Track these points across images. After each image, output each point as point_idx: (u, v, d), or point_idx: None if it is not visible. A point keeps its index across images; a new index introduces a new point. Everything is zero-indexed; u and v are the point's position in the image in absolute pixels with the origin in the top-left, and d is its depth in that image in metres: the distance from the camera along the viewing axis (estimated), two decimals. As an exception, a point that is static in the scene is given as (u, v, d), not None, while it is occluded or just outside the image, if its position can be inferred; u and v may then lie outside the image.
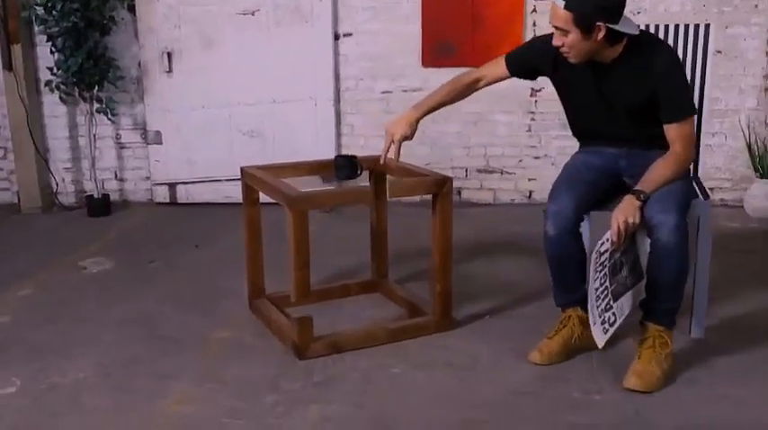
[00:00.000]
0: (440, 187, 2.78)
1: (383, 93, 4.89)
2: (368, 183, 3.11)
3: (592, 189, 2.68)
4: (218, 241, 4.20)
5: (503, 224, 4.49)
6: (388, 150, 2.88)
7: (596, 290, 2.44)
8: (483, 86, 2.95)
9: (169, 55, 4.85)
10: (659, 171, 2.52)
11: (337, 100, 4.87)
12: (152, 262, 3.86)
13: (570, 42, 2.45)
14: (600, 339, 2.46)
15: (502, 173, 4.95)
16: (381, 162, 2.89)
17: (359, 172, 3.05)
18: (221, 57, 4.82)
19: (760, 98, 4.72)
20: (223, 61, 4.82)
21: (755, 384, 2.46)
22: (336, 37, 4.81)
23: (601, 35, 2.42)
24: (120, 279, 3.62)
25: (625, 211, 2.44)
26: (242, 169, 3.03)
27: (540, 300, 3.19)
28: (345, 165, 3.04)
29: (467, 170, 4.96)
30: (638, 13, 4.64)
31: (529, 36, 4.70)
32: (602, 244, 2.48)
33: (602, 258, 2.48)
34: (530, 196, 4.97)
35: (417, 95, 4.77)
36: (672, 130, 2.55)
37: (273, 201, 2.74)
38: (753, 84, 4.73)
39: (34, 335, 2.96)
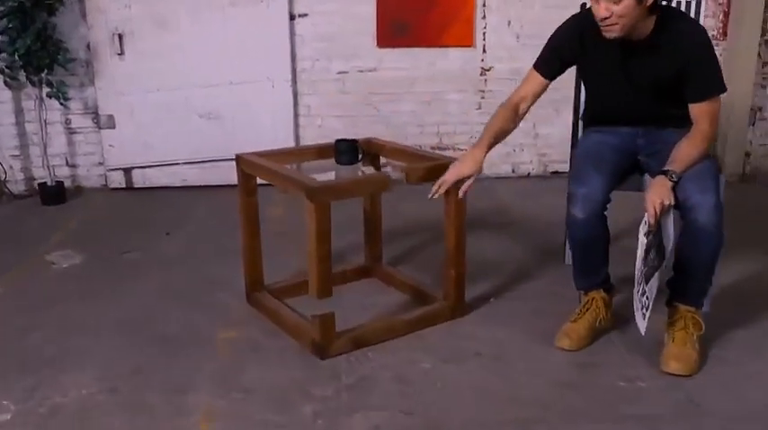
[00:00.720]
0: (454, 171, 2.38)
1: (339, 73, 4.38)
2: (371, 168, 2.66)
3: (615, 169, 2.34)
4: (188, 227, 3.63)
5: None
6: (451, 185, 2.35)
7: (638, 276, 2.12)
8: (529, 105, 2.49)
9: (120, 36, 4.15)
10: (687, 150, 2.19)
11: (294, 81, 4.34)
12: (126, 252, 3.26)
13: (621, 11, 2.07)
14: (642, 326, 2.13)
15: (454, 149, 4.57)
16: (460, 196, 2.39)
17: (360, 156, 2.60)
18: (176, 38, 4.16)
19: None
20: (178, 43, 4.16)
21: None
22: (292, 17, 4.25)
23: (650, 0, 2.08)
24: (96, 274, 3.01)
25: (660, 193, 2.10)
26: (238, 156, 2.51)
27: (532, 279, 2.88)
28: (347, 150, 2.58)
29: (421, 147, 4.54)
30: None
31: (480, 17, 4.33)
32: (643, 227, 2.16)
33: (646, 245, 2.15)
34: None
35: (372, 76, 4.37)
36: (699, 108, 2.22)
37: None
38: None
39: (19, 346, 2.36)
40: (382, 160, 2.82)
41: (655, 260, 2.18)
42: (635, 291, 2.13)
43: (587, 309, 2.36)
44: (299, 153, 2.62)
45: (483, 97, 4.49)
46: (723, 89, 2.23)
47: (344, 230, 3.33)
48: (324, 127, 4.44)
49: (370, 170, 2.61)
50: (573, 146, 2.95)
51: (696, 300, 2.23)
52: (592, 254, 2.34)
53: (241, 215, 2.56)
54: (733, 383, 2.09)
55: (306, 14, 4.28)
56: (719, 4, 4.38)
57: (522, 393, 2.05)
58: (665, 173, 2.15)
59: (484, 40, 4.39)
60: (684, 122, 2.40)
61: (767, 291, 2.70)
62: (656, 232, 2.17)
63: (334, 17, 4.28)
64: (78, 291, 2.81)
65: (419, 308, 2.56)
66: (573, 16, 2.47)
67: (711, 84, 2.21)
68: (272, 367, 2.21)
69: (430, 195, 2.29)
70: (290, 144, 4.35)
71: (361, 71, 4.37)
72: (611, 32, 2.14)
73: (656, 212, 2.08)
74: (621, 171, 2.36)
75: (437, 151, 4.48)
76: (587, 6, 2.27)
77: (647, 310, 2.14)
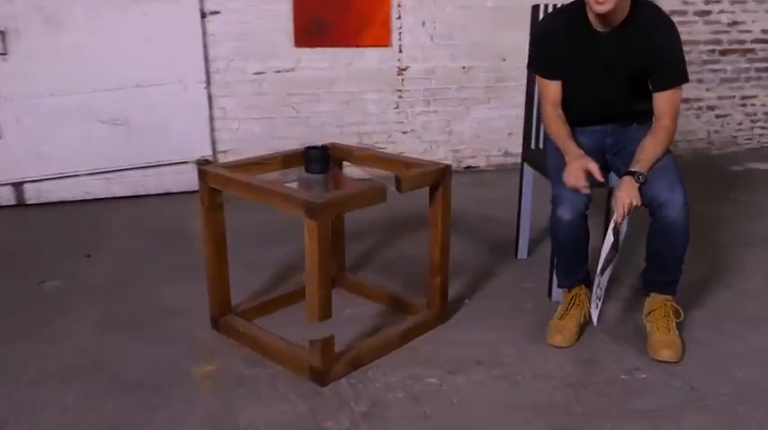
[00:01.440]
0: (442, 176, 2.24)
1: (255, 74, 4.09)
2: (344, 176, 2.46)
3: None
4: (108, 246, 3.22)
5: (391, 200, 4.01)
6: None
7: (599, 270, 2.16)
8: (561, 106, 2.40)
9: (2, 34, 3.62)
10: (651, 149, 2.21)
11: (208, 82, 3.99)
12: (44, 282, 2.82)
13: None
14: (595, 316, 2.21)
15: (374, 149, 4.44)
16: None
17: (332, 164, 2.40)
18: (71, 37, 3.69)
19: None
20: (74, 42, 3.69)
21: (746, 331, 2.31)
22: (203, 14, 3.91)
23: None
24: (17, 308, 2.57)
25: (630, 194, 2.11)
26: (201, 169, 2.21)
27: (493, 276, 2.83)
28: (318, 158, 2.36)
29: (340, 148, 4.38)
30: (489, -5, 4.36)
31: (396, 17, 4.21)
32: (612, 225, 2.17)
33: (611, 241, 2.17)
34: (399, 170, 4.54)
35: (291, 76, 4.13)
36: (663, 99, 2.23)
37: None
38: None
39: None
40: (343, 165, 2.62)
41: (609, 254, 2.19)
42: (595, 284, 2.17)
43: (573, 305, 2.33)
44: (264, 163, 2.36)
45: (400, 96, 4.38)
46: (687, 79, 2.26)
47: (285, 237, 3.15)
48: (241, 130, 4.13)
49: (345, 179, 2.41)
50: (526, 144, 2.92)
51: (671, 289, 2.26)
52: (575, 253, 2.30)
53: (206, 233, 2.26)
54: (717, 364, 2.13)
55: (218, 12, 3.94)
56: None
57: (539, 399, 1.96)
58: (632, 173, 2.15)
59: (400, 40, 4.28)
60: (646, 118, 2.44)
61: (715, 274, 2.81)
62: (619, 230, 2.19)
63: (248, 15, 3.99)
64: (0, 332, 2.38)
65: (404, 318, 2.40)
66: (548, 16, 2.44)
67: (677, 72, 2.24)
68: (270, 402, 1.96)
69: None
70: (206, 150, 4.02)
71: (279, 71, 4.11)
72: (605, 5, 2.09)
73: (624, 212, 2.10)
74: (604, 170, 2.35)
75: (357, 152, 4.34)
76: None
77: (599, 301, 2.19)
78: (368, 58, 4.25)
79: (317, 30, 4.09)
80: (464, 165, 4.63)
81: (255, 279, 2.78)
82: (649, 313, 2.26)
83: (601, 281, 2.18)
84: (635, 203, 2.12)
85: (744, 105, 5.14)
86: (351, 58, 4.22)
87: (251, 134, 4.16)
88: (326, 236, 1.91)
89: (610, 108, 2.38)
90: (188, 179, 4.01)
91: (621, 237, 2.22)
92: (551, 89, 2.37)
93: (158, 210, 3.79)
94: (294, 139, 4.23)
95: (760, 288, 2.69)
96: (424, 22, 4.30)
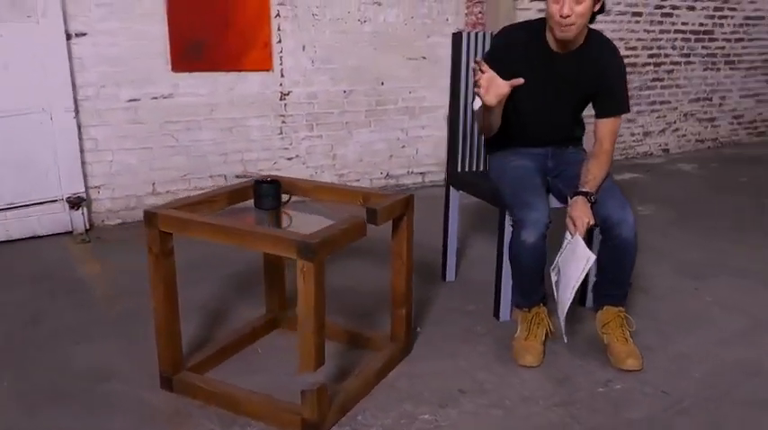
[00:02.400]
0: (407, 206, 2.13)
1: (130, 101, 3.67)
2: (295, 212, 2.24)
3: (544, 191, 2.36)
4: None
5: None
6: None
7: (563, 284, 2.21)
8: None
9: None
10: (597, 171, 2.30)
11: (77, 111, 3.50)
12: None
13: (582, 10, 2.14)
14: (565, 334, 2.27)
15: (258, 177, 4.19)
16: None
17: (284, 199, 2.19)
18: None
19: (454, 95, 4.83)
20: None
21: (680, 333, 2.46)
22: (68, 36, 3.43)
23: (598, 6, 2.18)
24: None
25: (585, 212, 2.19)
26: (151, 213, 1.90)
27: (431, 302, 2.74)
28: (270, 193, 2.14)
29: (225, 177, 4.07)
30: (365, 21, 4.33)
31: (276, 41, 4.02)
32: (566, 241, 2.23)
33: (563, 254, 2.25)
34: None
35: (168, 103, 3.78)
36: (606, 125, 2.35)
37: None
38: (448, 84, 4.80)
39: None
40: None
41: (581, 273, 2.23)
42: (565, 298, 2.20)
43: (536, 325, 2.33)
44: (210, 201, 2.08)
45: (284, 122, 4.19)
46: (629, 109, 2.39)
47: (199, 275, 2.85)
48: (116, 162, 3.69)
49: (299, 215, 2.20)
50: (452, 167, 2.89)
51: (622, 301, 2.35)
52: (536, 274, 2.31)
53: (155, 282, 1.94)
54: (674, 368, 2.24)
55: (85, 33, 3.49)
56: (476, 32, 4.74)
57: (537, 422, 1.93)
58: (584, 194, 2.23)
59: (281, 64, 4.09)
60: (579, 142, 2.55)
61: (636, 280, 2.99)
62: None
63: (120, 37, 3.58)
64: None
65: (365, 354, 2.25)
66: (499, 38, 2.46)
67: (622, 101, 2.36)
68: (266, 464, 1.72)
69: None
70: (78, 186, 3.53)
71: (156, 98, 3.73)
72: (568, 32, 2.18)
73: (583, 230, 2.17)
74: (546, 192, 2.39)
75: (242, 179, 4.07)
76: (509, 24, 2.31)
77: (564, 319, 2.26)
78: (250, 82, 4.00)
79: (196, 53, 3.77)
80: (348, 188, 4.53)
81: (186, 326, 2.46)
82: (604, 325, 2.32)
83: (566, 299, 2.20)
84: (591, 222, 2.18)
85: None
86: (232, 83, 3.95)
87: (127, 166, 3.72)
88: (323, 278, 1.72)
89: (554, 128, 2.44)
90: (58, 220, 3.51)
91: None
92: None
93: (29, 258, 3.25)
94: (174, 170, 3.88)
95: (668, 292, 2.89)
96: (304, 46, 4.15)
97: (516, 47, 2.33)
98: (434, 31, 4.64)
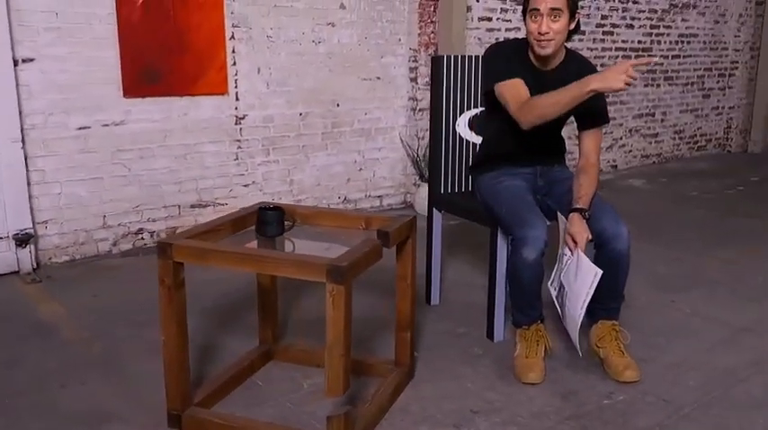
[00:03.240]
0: (412, 228, 2.29)
1: (79, 129, 3.67)
2: (297, 239, 2.35)
3: (539, 208, 2.57)
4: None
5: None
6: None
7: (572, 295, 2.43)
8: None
9: None
10: (587, 185, 2.53)
11: (23, 141, 3.48)
12: None
13: (558, 27, 2.43)
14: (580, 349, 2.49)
15: (215, 205, 4.25)
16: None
17: (288, 226, 2.31)
18: None
19: (408, 116, 5.05)
20: None
21: (667, 344, 2.71)
22: (15, 63, 3.42)
23: (573, 24, 2.49)
24: None
25: (583, 229, 2.43)
26: (162, 243, 1.98)
27: (420, 326, 2.89)
28: (273, 220, 2.26)
29: (179, 207, 4.11)
30: (319, 42, 4.50)
31: (231, 63, 4.13)
32: (565, 261, 2.46)
33: (565, 268, 2.48)
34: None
35: (120, 130, 3.83)
36: (590, 138, 2.61)
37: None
38: (402, 104, 5.03)
39: None
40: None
41: (589, 287, 2.45)
42: (576, 314, 2.40)
43: (535, 342, 2.52)
44: (216, 230, 2.16)
45: (239, 147, 4.28)
46: (609, 120, 2.68)
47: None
48: (65, 195, 3.67)
49: (300, 241, 2.31)
50: (435, 189, 3.06)
51: (616, 315, 2.60)
52: (534, 291, 2.52)
53: (167, 315, 2.02)
54: (669, 376, 2.49)
55: (32, 59, 3.49)
56: (429, 55, 4.98)
57: (561, 439, 2.12)
58: (578, 210, 2.46)
59: (236, 87, 4.19)
60: (563, 159, 2.80)
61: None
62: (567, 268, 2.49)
63: (69, 62, 3.59)
64: None
65: (377, 379, 2.38)
66: (497, 47, 2.72)
67: (603, 113, 2.64)
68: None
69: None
70: (25, 221, 3.50)
71: (107, 125, 3.75)
72: (547, 48, 2.46)
73: (583, 246, 2.40)
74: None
75: (197, 209, 4.15)
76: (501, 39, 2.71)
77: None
78: (204, 107, 4.08)
79: (150, 78, 3.83)
80: (306, 215, 4.65)
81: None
82: (600, 339, 2.55)
83: (577, 315, 2.40)
84: (589, 238, 2.41)
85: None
86: (186, 108, 4.02)
87: (76, 199, 3.71)
88: (350, 301, 1.86)
89: (541, 146, 2.67)
90: (3, 259, 3.49)
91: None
92: (521, 86, 2.50)
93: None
94: (126, 202, 3.90)
95: (648, 305, 3.16)
96: (259, 69, 4.27)
97: (508, 53, 2.60)
98: (387, 52, 4.86)
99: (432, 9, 4.89)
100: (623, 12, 6.38)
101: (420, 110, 4.99)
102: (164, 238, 2.02)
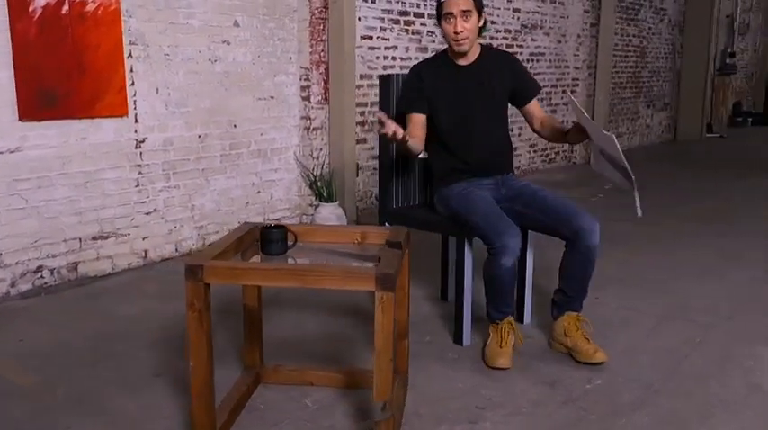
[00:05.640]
0: (408, 239, 2.53)
1: (-29, 157, 3.49)
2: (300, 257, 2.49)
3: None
4: None
5: (166, 293, 3.86)
6: None
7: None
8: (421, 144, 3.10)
9: None
10: (557, 121, 3.19)
11: None
12: None
13: (470, 26, 2.94)
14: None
15: (117, 236, 4.15)
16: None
17: (291, 245, 2.45)
18: None
19: (302, 135, 5.25)
20: None
21: (617, 332, 3.17)
22: None
23: (482, 22, 3.01)
24: None
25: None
26: (192, 265, 2.05)
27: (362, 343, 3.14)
28: (278, 239, 2.40)
29: (81, 240, 3.98)
30: (216, 61, 4.58)
31: (130, 83, 4.10)
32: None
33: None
34: (146, 256, 4.32)
35: (16, 158, 3.74)
36: (534, 107, 3.15)
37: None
38: (295, 124, 5.22)
39: None
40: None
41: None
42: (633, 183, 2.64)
43: (507, 334, 2.89)
44: (225, 252, 2.24)
45: (140, 172, 4.24)
46: (540, 87, 3.23)
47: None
48: (-42, 232, 3.46)
49: (302, 259, 2.46)
50: (385, 202, 3.31)
51: (580, 306, 3.02)
52: (509, 291, 2.88)
53: (197, 340, 2.09)
54: (626, 361, 2.93)
55: None
56: (320, 73, 5.24)
57: (562, 419, 2.45)
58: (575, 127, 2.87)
59: (135, 108, 4.16)
60: (512, 166, 3.20)
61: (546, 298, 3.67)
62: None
63: (-41, 83, 3.41)
64: None
65: (362, 391, 2.57)
66: (413, 67, 3.22)
67: (536, 85, 3.19)
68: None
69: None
70: None
71: (1, 153, 3.58)
72: (463, 45, 2.99)
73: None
74: None
75: (99, 241, 4.07)
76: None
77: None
78: (104, 130, 4.02)
79: (47, 101, 3.71)
80: (208, 242, 4.68)
81: (164, 398, 2.55)
82: (566, 330, 2.95)
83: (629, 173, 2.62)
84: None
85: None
86: (85, 132, 3.93)
87: (-31, 236, 3.51)
88: (394, 307, 2.07)
89: (491, 150, 3.10)
90: None
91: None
92: (416, 124, 3.07)
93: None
94: (25, 237, 3.76)
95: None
96: (157, 89, 4.28)
97: (427, 71, 3.13)
98: (280, 70, 5.05)
99: (321, 27, 5.16)
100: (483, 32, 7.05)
101: (314, 129, 5.22)
102: (192, 260, 2.09)
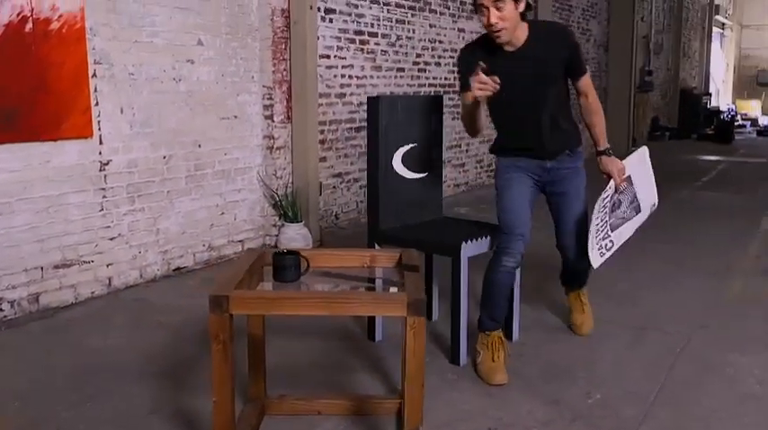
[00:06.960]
0: (418, 259, 2.47)
1: (-70, 184, 3.23)
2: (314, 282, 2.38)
3: (530, 218, 2.97)
4: None
5: (133, 324, 3.69)
6: None
7: (596, 226, 2.86)
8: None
9: None
10: (600, 127, 3.02)
11: None
12: None
13: (505, 15, 2.68)
14: (596, 261, 2.90)
15: (80, 264, 3.93)
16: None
17: (304, 270, 2.35)
18: None
19: (265, 155, 5.12)
20: None
21: (599, 342, 3.21)
22: None
23: (522, 6, 2.74)
24: None
25: (616, 164, 2.91)
26: (217, 296, 1.93)
27: (380, 362, 3.07)
28: (292, 265, 2.30)
29: (42, 269, 3.74)
30: (180, 80, 4.43)
31: (94, 103, 3.90)
32: (605, 193, 2.91)
33: (604, 202, 2.90)
34: (110, 283, 4.10)
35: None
36: (583, 81, 2.99)
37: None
38: (258, 143, 5.09)
39: None
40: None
41: (626, 212, 3.02)
42: (590, 236, 2.85)
43: (498, 348, 2.91)
44: (240, 282, 2.12)
45: (105, 196, 4.04)
46: (587, 69, 3.07)
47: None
48: None
49: (314, 285, 2.36)
50: (374, 221, 3.23)
51: (584, 284, 3.33)
52: (504, 294, 2.95)
53: (221, 374, 1.98)
54: (617, 374, 2.97)
55: None
56: (283, 92, 5.12)
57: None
58: (603, 153, 2.94)
59: (99, 129, 3.97)
60: (575, 146, 3.09)
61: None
62: (625, 191, 2.99)
63: None
64: None
65: (374, 418, 2.50)
66: (466, 47, 3.06)
67: (583, 63, 3.03)
68: None
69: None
70: None
71: (-39, 178, 3.35)
72: (502, 36, 2.75)
73: (620, 180, 2.92)
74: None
75: (62, 269, 3.84)
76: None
77: (607, 251, 2.93)
78: (68, 152, 3.81)
79: (8, 122, 3.49)
80: (173, 266, 4.49)
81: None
82: (576, 302, 3.37)
83: (611, 234, 2.95)
84: (623, 169, 2.93)
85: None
86: (48, 155, 3.71)
87: (-70, 267, 3.25)
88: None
89: (546, 129, 2.93)
90: None
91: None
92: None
93: None
94: (-15, 265, 3.49)
95: (554, 322, 3.64)
96: (122, 109, 4.09)
97: (478, 53, 2.84)
98: (243, 89, 4.92)
99: (283, 47, 5.06)
100: (432, 51, 7.10)
101: (277, 148, 5.10)
102: (216, 291, 1.97)
